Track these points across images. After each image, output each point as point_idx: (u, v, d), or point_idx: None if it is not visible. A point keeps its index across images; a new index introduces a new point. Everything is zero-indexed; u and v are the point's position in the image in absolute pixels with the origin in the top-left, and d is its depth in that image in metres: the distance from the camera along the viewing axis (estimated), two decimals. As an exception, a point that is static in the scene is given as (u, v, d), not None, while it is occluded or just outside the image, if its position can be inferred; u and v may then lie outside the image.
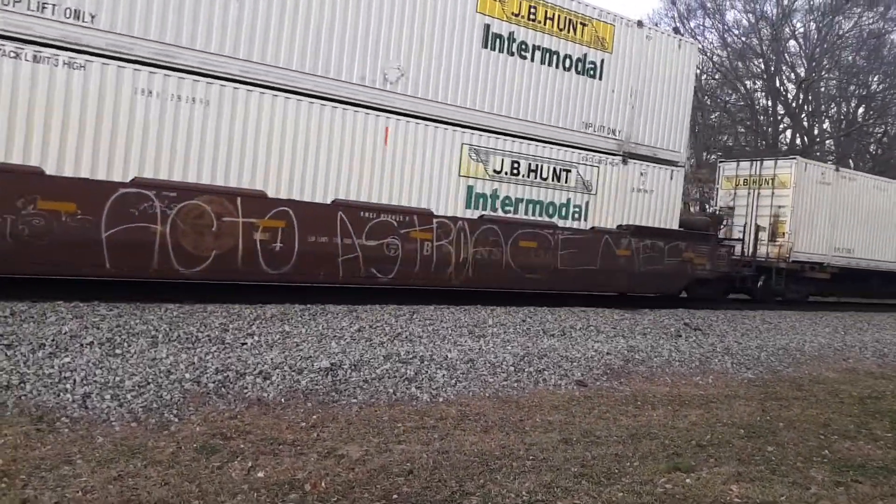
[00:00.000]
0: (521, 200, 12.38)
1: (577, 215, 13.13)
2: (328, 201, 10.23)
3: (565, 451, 5.67)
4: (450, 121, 11.44)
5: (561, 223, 12.82)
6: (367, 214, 10.44)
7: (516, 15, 12.03)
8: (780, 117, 41.56)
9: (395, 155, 10.85)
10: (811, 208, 18.61)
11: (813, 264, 18.66)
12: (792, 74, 41.17)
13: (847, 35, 39.05)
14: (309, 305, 9.43)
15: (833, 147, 40.19)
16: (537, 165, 12.51)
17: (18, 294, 7.96)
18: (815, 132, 41.08)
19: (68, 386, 5.85)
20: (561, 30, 12.60)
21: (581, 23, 12.90)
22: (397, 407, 6.67)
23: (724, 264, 15.60)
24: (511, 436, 6.01)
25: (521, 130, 12.27)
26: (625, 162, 13.70)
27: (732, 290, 17.80)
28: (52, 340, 6.65)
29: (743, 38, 40.96)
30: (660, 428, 6.58)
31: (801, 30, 40.50)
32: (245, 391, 6.45)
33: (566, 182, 12.94)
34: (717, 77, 41.77)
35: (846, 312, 17.75)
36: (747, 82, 41.43)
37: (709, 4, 41.37)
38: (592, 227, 13.27)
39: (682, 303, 15.16)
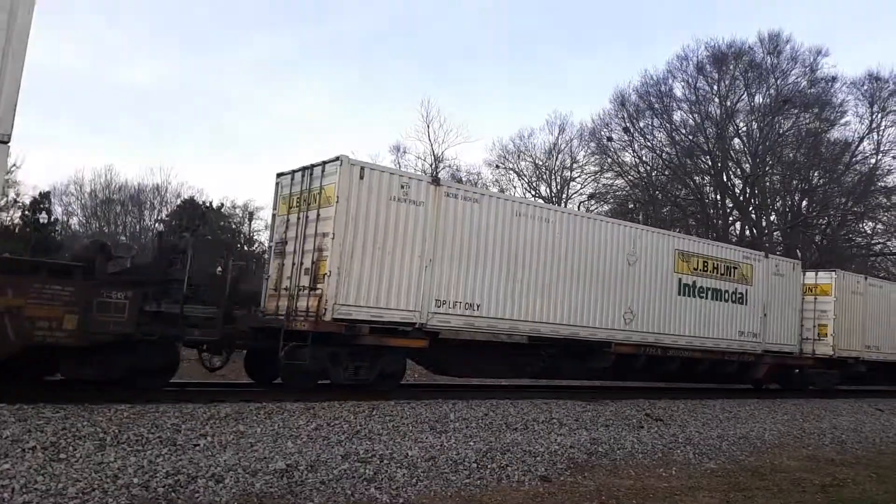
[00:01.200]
0: None
1: None
2: None
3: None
4: None
5: None
6: None
7: None
8: (729, 210, 43.12)
9: None
10: (381, 238, 11.57)
11: (387, 325, 11.62)
12: (738, 170, 43.04)
13: (787, 133, 41.22)
14: (265, 404, 9.20)
15: (780, 238, 41.63)
16: None
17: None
18: (763, 224, 42.61)
19: (6, 495, 5.54)
20: None
21: None
22: (356, 508, 6.45)
23: (126, 321, 9.46)
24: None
25: None
26: None
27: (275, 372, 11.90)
28: (-8, 446, 6.35)
29: (690, 137, 42.90)
30: (625, 523, 6.45)
31: (745, 129, 42.68)
32: (196, 496, 6.18)
33: None
34: (666, 173, 43.41)
35: (803, 399, 17.77)
36: (696, 178, 43.11)
37: (656, 106, 43.48)
38: None
39: (643, 393, 15.09)
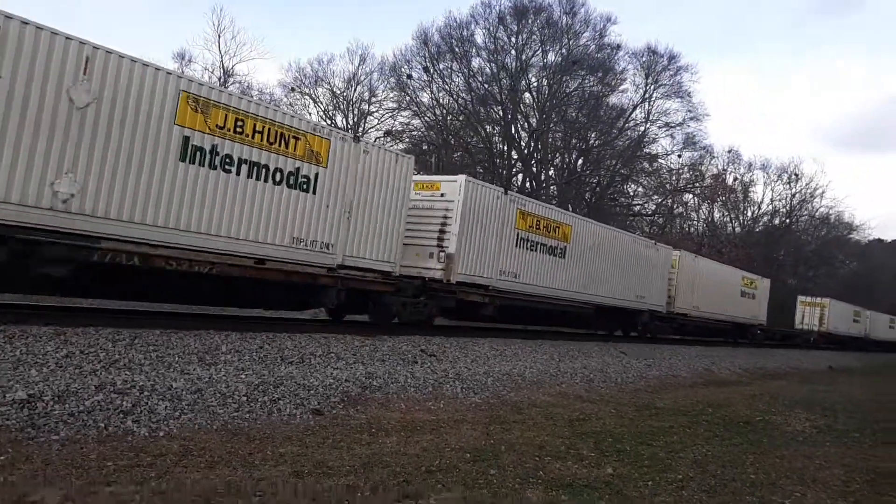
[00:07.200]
0: None
1: None
2: None
3: (295, 484, 5.44)
4: None
5: None
6: None
7: None
8: (513, 161, 45.43)
9: None
10: None
11: None
12: (526, 124, 45.37)
13: (572, 93, 44.03)
14: (6, 326, 8.16)
15: (556, 192, 44.77)
16: None
17: None
18: (543, 178, 45.51)
19: None
20: None
21: None
22: (109, 443, 5.96)
23: None
24: (238, 471, 5.64)
25: None
26: None
27: None
28: None
29: (486, 85, 44.28)
30: (392, 455, 6.60)
31: (535, 84, 44.93)
32: None
33: None
34: (461, 118, 44.58)
35: (561, 341, 19.20)
36: (487, 127, 44.78)
37: (457, 49, 44.21)
38: None
39: (420, 330, 15.37)
